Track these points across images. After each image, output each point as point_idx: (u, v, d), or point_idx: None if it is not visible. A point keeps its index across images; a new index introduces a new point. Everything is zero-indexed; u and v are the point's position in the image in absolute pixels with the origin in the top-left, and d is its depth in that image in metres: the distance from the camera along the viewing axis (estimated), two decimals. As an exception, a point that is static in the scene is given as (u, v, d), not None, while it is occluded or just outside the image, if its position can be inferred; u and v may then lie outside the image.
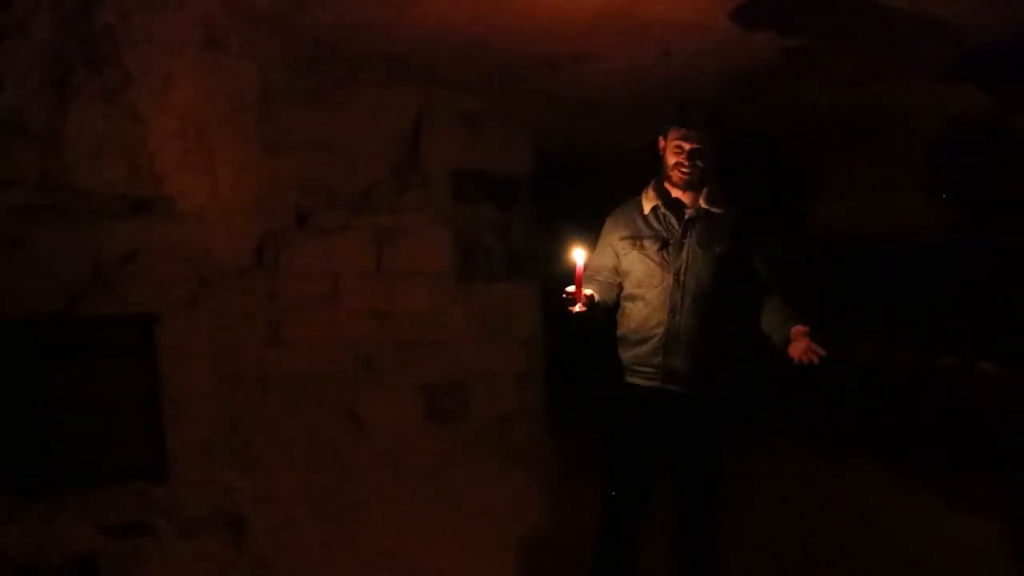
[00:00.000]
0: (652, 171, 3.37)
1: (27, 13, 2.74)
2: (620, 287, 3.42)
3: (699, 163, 3.22)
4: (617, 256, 3.38)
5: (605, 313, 3.39)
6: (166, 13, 3.22)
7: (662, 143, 3.32)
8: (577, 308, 3.09)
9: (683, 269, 3.24)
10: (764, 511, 4.41)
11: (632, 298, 3.36)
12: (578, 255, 3.05)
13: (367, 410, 4.36)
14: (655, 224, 3.32)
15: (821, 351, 2.99)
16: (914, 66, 4.32)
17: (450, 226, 4.63)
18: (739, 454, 5.01)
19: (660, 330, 3.28)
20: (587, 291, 3.16)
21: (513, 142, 4.93)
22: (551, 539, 4.13)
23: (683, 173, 3.23)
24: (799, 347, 3.04)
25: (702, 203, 3.28)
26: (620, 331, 3.41)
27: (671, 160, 3.25)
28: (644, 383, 3.34)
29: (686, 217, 3.28)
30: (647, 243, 3.30)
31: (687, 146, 3.21)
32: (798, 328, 3.10)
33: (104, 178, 3.22)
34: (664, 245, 3.28)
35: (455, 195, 4.69)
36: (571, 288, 3.10)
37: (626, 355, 3.38)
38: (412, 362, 4.50)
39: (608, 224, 3.46)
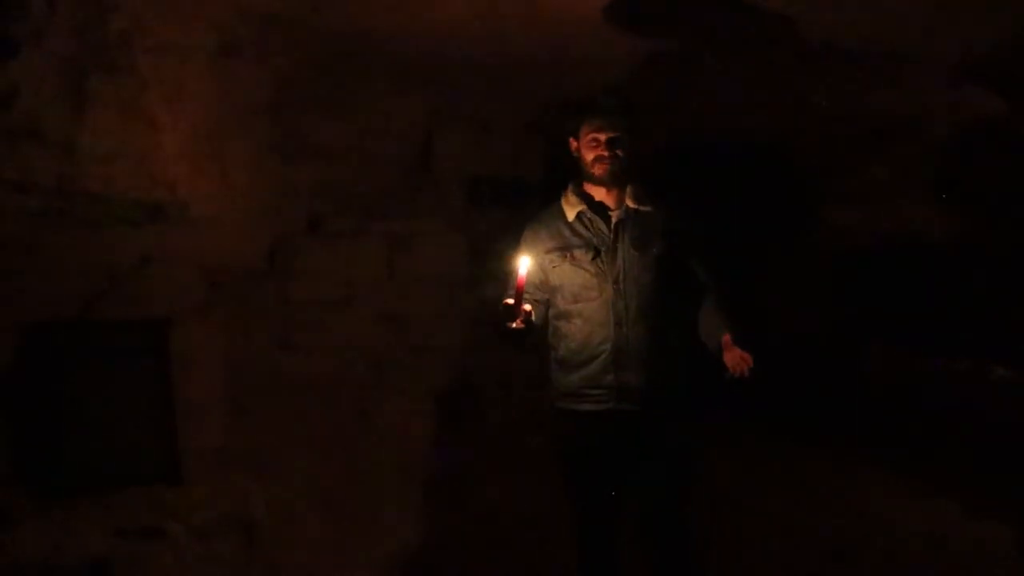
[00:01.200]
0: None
1: (43, 22, 2.75)
2: (547, 306, 3.12)
3: (619, 152, 3.00)
4: (544, 271, 3.07)
5: (535, 335, 3.02)
6: (181, 20, 3.22)
7: (574, 144, 3.10)
8: (515, 324, 2.78)
9: (621, 276, 3.00)
10: (771, 515, 4.39)
11: (567, 316, 3.06)
12: (522, 263, 2.74)
13: (380, 415, 4.37)
14: (582, 231, 3.05)
15: (749, 361, 2.78)
16: (924, 71, 4.32)
17: (463, 231, 4.64)
18: (742, 457, 5.07)
19: (607, 346, 2.98)
20: (526, 306, 2.82)
21: (526, 147, 4.94)
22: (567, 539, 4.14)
23: (605, 164, 3.00)
24: (731, 358, 2.84)
25: (629, 202, 3.05)
26: (558, 354, 3.10)
27: (589, 156, 3.03)
28: (594, 407, 3.02)
29: (614, 219, 3.04)
30: (578, 252, 3.03)
31: (603, 136, 3.01)
32: (727, 338, 2.90)
33: (119, 184, 3.24)
34: (597, 253, 3.02)
35: (468, 200, 4.70)
36: (510, 300, 2.79)
37: (569, 379, 3.05)
38: (425, 367, 4.51)
39: (528, 236, 3.15)
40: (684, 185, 4.42)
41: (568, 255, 3.04)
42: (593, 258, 3.02)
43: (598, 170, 3.03)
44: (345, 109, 4.11)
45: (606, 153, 3.01)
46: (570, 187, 3.14)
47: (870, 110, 4.91)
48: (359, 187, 4.29)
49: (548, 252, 3.07)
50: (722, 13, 3.64)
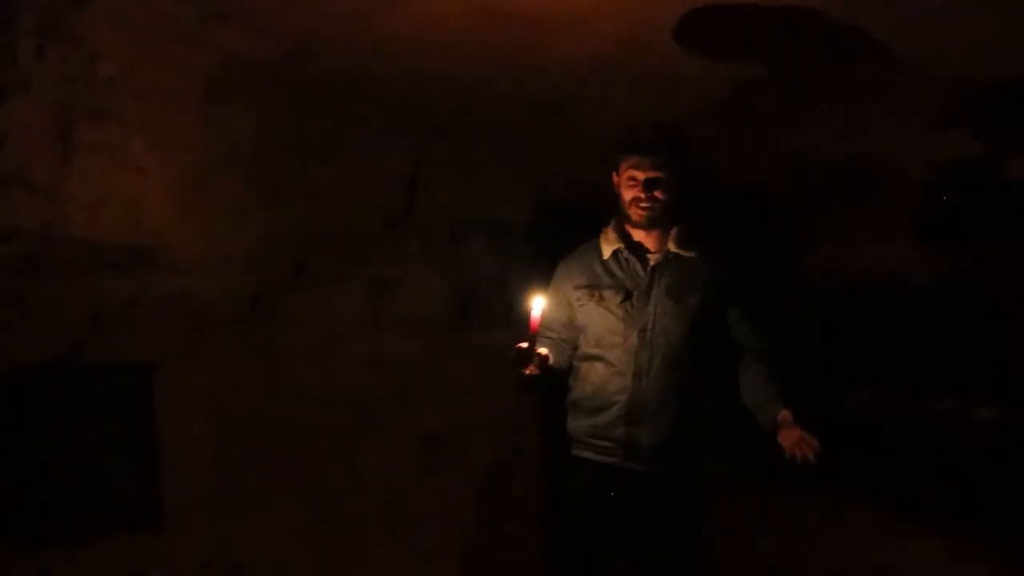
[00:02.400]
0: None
1: (31, 70, 2.78)
2: (574, 347, 2.93)
3: (659, 195, 2.76)
4: (572, 308, 2.90)
5: (557, 379, 2.87)
6: (168, 67, 3.25)
7: (616, 179, 2.87)
8: (529, 370, 2.61)
9: (650, 324, 2.78)
10: (757, 556, 4.38)
11: (589, 358, 2.87)
12: (536, 304, 2.56)
13: (364, 459, 4.34)
14: (616, 271, 2.85)
15: (815, 446, 2.56)
16: (903, 116, 4.39)
17: (447, 275, 4.65)
18: (727, 498, 5.05)
19: (623, 397, 2.78)
20: (542, 350, 2.66)
21: (511, 189, 4.97)
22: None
23: (642, 209, 2.78)
24: (791, 438, 2.62)
25: (671, 246, 2.83)
26: (573, 395, 2.93)
27: (627, 195, 2.81)
28: (599, 458, 2.84)
29: (652, 263, 2.84)
30: (607, 293, 2.82)
31: (642, 175, 2.77)
32: (785, 415, 2.69)
33: (104, 229, 3.24)
34: (627, 296, 2.80)
35: (452, 243, 4.72)
36: (523, 344, 2.60)
37: (579, 424, 2.89)
38: (409, 410, 4.50)
39: (560, 271, 2.98)
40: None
41: (596, 294, 2.85)
42: (622, 301, 2.81)
43: (634, 213, 2.82)
44: (330, 154, 4.13)
45: (643, 195, 2.78)
46: (611, 223, 2.93)
47: (850, 152, 4.97)
48: (343, 231, 4.30)
49: (576, 288, 2.89)
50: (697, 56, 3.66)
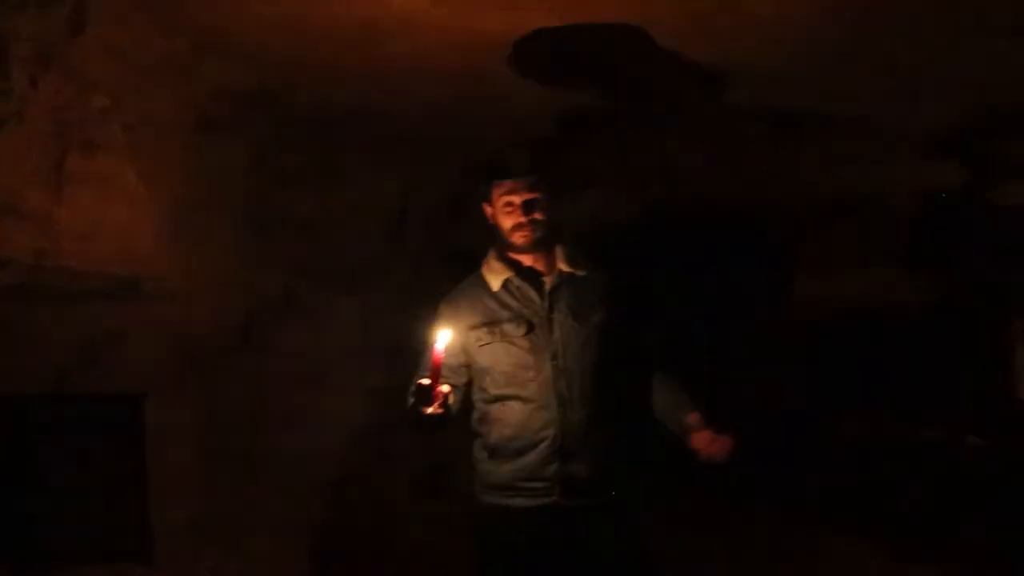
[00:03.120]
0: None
1: (25, 100, 2.80)
2: (464, 391, 2.74)
3: (539, 216, 2.63)
4: (467, 351, 2.70)
5: (453, 422, 2.67)
6: (160, 97, 3.26)
7: (489, 210, 2.73)
8: (432, 409, 2.42)
9: (560, 351, 2.62)
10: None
11: (501, 399, 2.66)
12: (441, 337, 2.41)
13: (354, 489, 4.35)
14: (511, 302, 2.68)
15: (728, 444, 2.49)
16: (888, 146, 4.45)
17: (438, 304, 4.66)
18: (712, 525, 5.05)
19: (550, 431, 2.58)
20: (444, 388, 2.47)
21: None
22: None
23: (525, 231, 2.64)
24: (702, 440, 2.53)
25: (562, 266, 2.70)
26: (489, 441, 2.69)
27: (507, 224, 2.66)
28: (529, 502, 2.62)
29: (547, 286, 2.68)
30: (508, 327, 2.64)
31: (518, 199, 2.63)
32: (694, 418, 2.59)
33: (95, 258, 3.25)
34: (530, 326, 2.63)
35: (442, 274, 4.73)
36: (426, 380, 2.42)
37: (501, 471, 2.66)
38: (400, 441, 4.49)
39: (446, 313, 2.74)
40: (648, 258, 4.50)
41: (497, 331, 2.66)
42: (526, 332, 2.64)
43: (518, 239, 2.66)
44: (321, 183, 4.15)
45: (523, 219, 2.64)
46: (491, 253, 2.78)
47: (838, 181, 5.02)
48: (334, 260, 4.31)
49: (472, 329, 2.70)
50: (689, 87, 3.69)
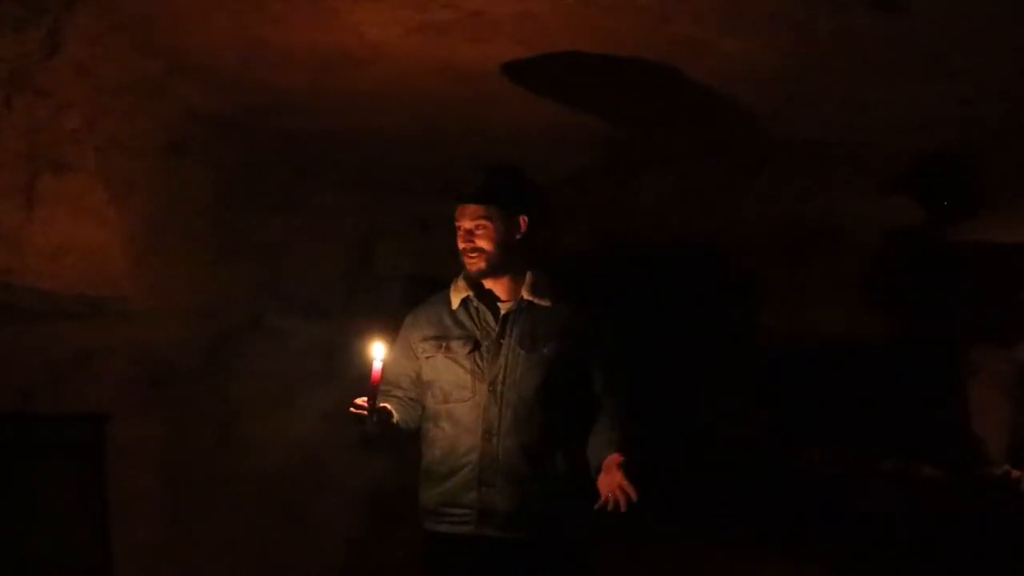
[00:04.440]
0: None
1: (-1, 122, 2.82)
2: (423, 407, 2.67)
3: (482, 244, 2.57)
4: (418, 361, 2.65)
5: (405, 440, 2.65)
6: (132, 119, 3.27)
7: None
8: (369, 427, 2.37)
9: (500, 377, 2.55)
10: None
11: (436, 417, 2.60)
12: (376, 352, 2.35)
13: (317, 514, 4.35)
14: (466, 321, 2.64)
15: (632, 493, 2.30)
16: (851, 182, 4.54)
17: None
18: (661, 559, 5.07)
19: (473, 457, 2.51)
20: (384, 405, 2.45)
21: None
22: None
23: (468, 260, 2.59)
24: (607, 483, 2.36)
25: (524, 294, 2.63)
26: (424, 462, 2.64)
27: (459, 247, 2.62)
28: (451, 529, 2.55)
29: (504, 311, 2.63)
30: (455, 344, 2.59)
31: (465, 225, 2.58)
32: (612, 457, 2.43)
33: (63, 279, 3.23)
34: (476, 347, 2.58)
35: (407, 299, 4.76)
36: (362, 399, 2.37)
37: (430, 494, 2.59)
38: (363, 465, 4.50)
39: (407, 322, 2.74)
40: (615, 289, 4.55)
41: (443, 345, 2.61)
42: (470, 352, 2.59)
43: (466, 265, 2.62)
44: (289, 208, 4.17)
45: (467, 246, 2.59)
46: (463, 271, 2.70)
47: (801, 216, 5.10)
48: (300, 285, 4.34)
49: (424, 340, 2.66)
50: (654, 121, 3.77)
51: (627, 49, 2.95)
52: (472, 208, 2.58)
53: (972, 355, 5.79)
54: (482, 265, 2.59)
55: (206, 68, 3.16)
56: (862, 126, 3.73)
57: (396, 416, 2.53)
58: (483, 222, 2.57)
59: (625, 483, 2.32)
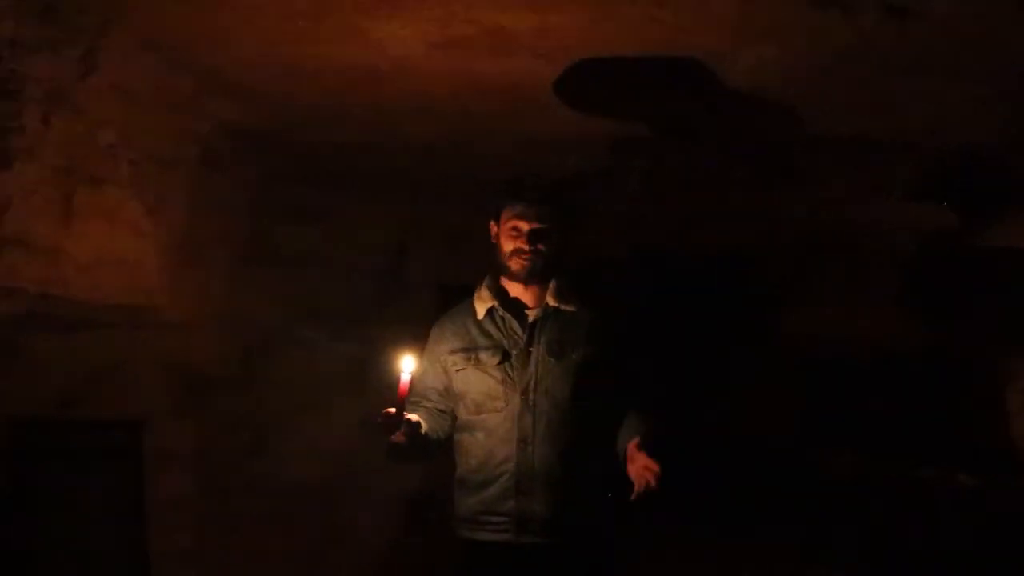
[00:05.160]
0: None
1: (37, 137, 2.91)
2: (453, 417, 2.70)
3: (542, 247, 2.59)
4: (447, 375, 2.67)
5: (435, 450, 2.66)
6: (165, 133, 3.37)
7: (494, 228, 2.69)
8: (395, 437, 2.39)
9: (532, 385, 2.56)
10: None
11: (470, 428, 2.64)
12: (405, 364, 2.38)
13: (351, 520, 4.40)
14: (492, 331, 2.65)
15: (655, 467, 2.34)
16: (881, 187, 4.53)
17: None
18: (698, 560, 5.06)
19: (509, 466, 2.54)
20: (412, 416, 2.47)
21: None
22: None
23: (524, 261, 2.60)
24: (634, 469, 2.39)
25: (550, 300, 2.64)
26: (459, 472, 2.68)
27: (508, 247, 2.62)
28: (492, 537, 2.57)
29: (531, 319, 2.64)
30: (484, 355, 2.61)
31: (526, 226, 2.59)
32: (632, 443, 2.45)
33: (100, 290, 3.32)
34: (505, 356, 2.60)
35: (438, 308, 4.81)
36: (391, 409, 2.38)
37: (467, 503, 2.63)
38: (397, 472, 4.54)
39: (433, 335, 2.76)
40: (643, 293, 4.56)
41: (472, 357, 2.63)
42: (500, 362, 2.60)
43: (515, 265, 2.62)
44: (321, 219, 4.24)
45: (526, 247, 2.60)
46: (485, 280, 2.74)
47: (830, 220, 5.09)
48: (333, 295, 4.40)
49: (452, 353, 2.67)
50: (678, 128, 3.80)
51: (643, 60, 2.99)
52: (539, 210, 2.61)
53: (1008, 362, 5.72)
54: (537, 267, 2.62)
55: (236, 84, 3.25)
56: (888, 129, 3.72)
57: (424, 427, 2.55)
58: (547, 225, 2.61)
59: (648, 461, 2.36)
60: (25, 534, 3.54)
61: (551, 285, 2.68)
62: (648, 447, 2.42)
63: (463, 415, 2.66)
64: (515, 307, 2.68)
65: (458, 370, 2.65)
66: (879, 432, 5.67)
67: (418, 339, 2.79)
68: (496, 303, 2.67)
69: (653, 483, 2.33)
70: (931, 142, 3.90)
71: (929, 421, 5.56)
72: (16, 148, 2.87)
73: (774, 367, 6.31)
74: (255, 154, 3.74)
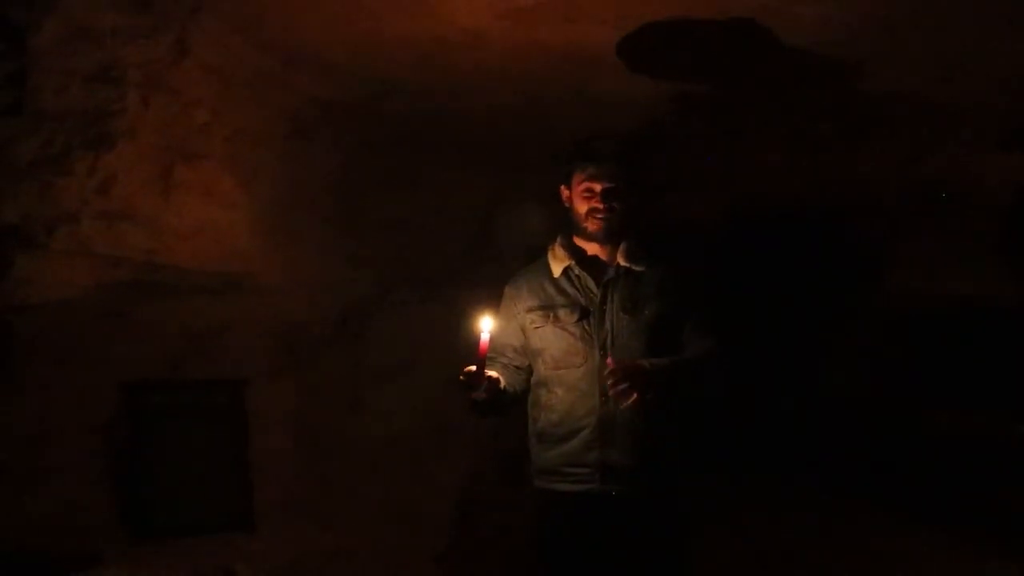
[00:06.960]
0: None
1: (137, 119, 3.14)
2: (528, 372, 2.79)
3: (616, 205, 2.67)
4: (524, 333, 2.77)
5: (512, 405, 2.75)
6: (255, 109, 3.54)
7: (566, 192, 2.79)
8: (477, 394, 2.50)
9: (609, 341, 2.64)
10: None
11: (548, 384, 2.71)
12: (484, 324, 2.45)
13: (442, 472, 4.54)
14: (569, 289, 2.73)
15: (636, 368, 2.44)
16: (968, 140, 4.43)
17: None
18: (799, 520, 5.07)
19: (591, 419, 2.62)
20: (492, 373, 2.55)
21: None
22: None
23: (599, 219, 2.68)
24: (618, 369, 2.46)
25: (620, 260, 2.72)
26: (537, 426, 2.75)
27: (582, 208, 2.71)
28: (574, 488, 2.66)
29: (604, 278, 2.71)
30: (562, 313, 2.70)
31: (599, 187, 2.67)
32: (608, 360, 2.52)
33: (200, 257, 3.55)
34: (584, 314, 2.67)
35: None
36: (472, 367, 2.48)
37: (548, 455, 2.70)
38: (487, 428, 4.67)
39: (509, 294, 2.87)
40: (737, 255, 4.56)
41: (551, 315, 2.72)
42: (578, 320, 2.69)
43: (592, 225, 2.71)
44: (410, 186, 4.31)
45: (601, 206, 2.68)
46: (559, 239, 2.85)
47: (921, 176, 5.00)
48: (424, 259, 4.49)
49: (529, 311, 2.77)
50: (765, 84, 3.78)
51: (708, 18, 3.03)
52: (609, 170, 2.69)
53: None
54: (614, 225, 2.71)
55: (318, 60, 3.40)
56: (964, 82, 3.66)
57: (503, 383, 2.65)
58: (619, 184, 2.70)
59: (637, 364, 2.49)
60: (144, 484, 3.83)
61: (622, 246, 2.75)
62: (652, 363, 2.53)
63: (541, 370, 2.75)
64: (590, 265, 2.76)
65: (536, 327, 2.75)
66: (977, 388, 5.57)
67: (495, 301, 2.91)
68: (572, 262, 2.76)
69: (624, 380, 2.42)
70: (1011, 95, 3.81)
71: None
72: (119, 129, 3.11)
73: (870, 324, 6.24)
74: (343, 125, 3.84)
